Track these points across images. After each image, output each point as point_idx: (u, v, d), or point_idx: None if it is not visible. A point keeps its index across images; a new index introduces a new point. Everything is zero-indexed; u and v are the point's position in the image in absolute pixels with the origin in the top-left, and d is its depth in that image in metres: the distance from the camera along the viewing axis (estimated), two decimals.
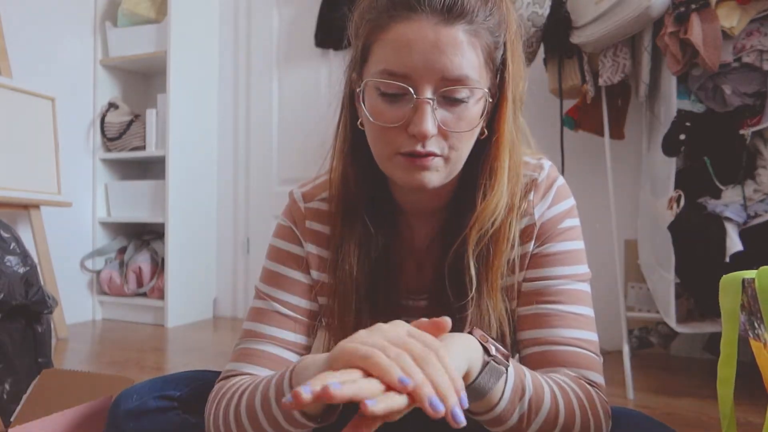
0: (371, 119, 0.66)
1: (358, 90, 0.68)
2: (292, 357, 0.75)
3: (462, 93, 0.64)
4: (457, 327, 0.64)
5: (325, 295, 0.77)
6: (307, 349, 0.78)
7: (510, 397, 0.59)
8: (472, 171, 0.70)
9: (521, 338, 0.72)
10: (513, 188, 0.71)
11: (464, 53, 0.62)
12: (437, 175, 0.67)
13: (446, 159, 0.66)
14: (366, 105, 0.67)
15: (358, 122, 0.71)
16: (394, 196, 0.76)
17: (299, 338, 0.76)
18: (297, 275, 0.77)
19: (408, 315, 0.72)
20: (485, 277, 0.70)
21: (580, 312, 0.71)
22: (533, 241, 0.73)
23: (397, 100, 0.64)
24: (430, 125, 0.63)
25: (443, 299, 0.72)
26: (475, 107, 0.65)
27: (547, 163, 0.76)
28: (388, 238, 0.75)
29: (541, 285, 0.72)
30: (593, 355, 0.70)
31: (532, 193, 0.73)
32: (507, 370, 0.58)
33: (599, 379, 0.69)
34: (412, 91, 0.63)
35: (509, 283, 0.73)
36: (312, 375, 0.55)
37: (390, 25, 0.63)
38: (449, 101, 0.64)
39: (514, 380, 0.60)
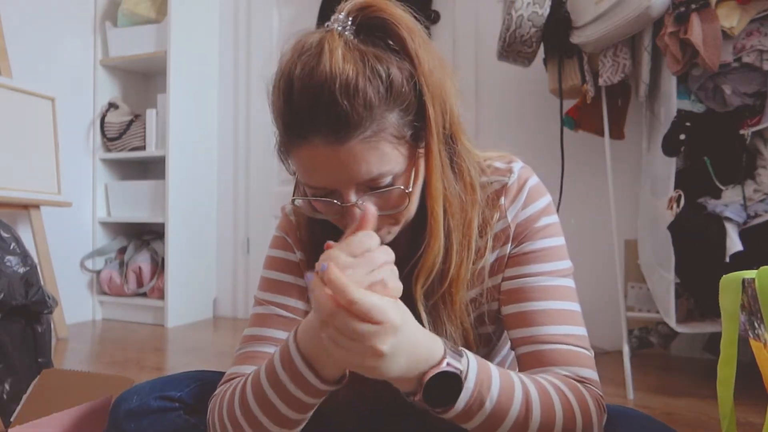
0: (308, 209, 0.69)
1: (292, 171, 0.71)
2: None
3: (384, 182, 0.63)
4: None
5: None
6: None
7: (462, 410, 0.60)
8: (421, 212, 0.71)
9: (510, 337, 0.72)
10: (462, 231, 0.70)
11: (368, 159, 0.61)
12: (390, 237, 0.69)
13: (390, 230, 0.68)
14: (303, 195, 0.70)
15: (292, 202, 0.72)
16: None
17: None
18: (293, 279, 0.79)
19: None
20: (442, 306, 0.71)
21: (564, 307, 0.70)
22: (510, 243, 0.73)
23: (327, 200, 0.65)
24: None
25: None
26: (400, 183, 0.65)
27: (517, 165, 0.76)
28: None
29: (522, 282, 0.72)
30: (582, 350, 0.69)
31: (503, 197, 0.73)
32: (454, 404, 0.59)
33: (590, 374, 0.68)
34: (337, 201, 0.64)
35: (488, 285, 0.74)
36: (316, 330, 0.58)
37: (292, 148, 0.64)
38: (375, 192, 0.64)
39: (467, 401, 0.59)
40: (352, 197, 0.64)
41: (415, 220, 0.71)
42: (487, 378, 0.61)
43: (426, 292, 0.70)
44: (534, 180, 0.76)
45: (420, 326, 0.59)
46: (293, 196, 0.72)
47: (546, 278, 0.71)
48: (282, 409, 0.63)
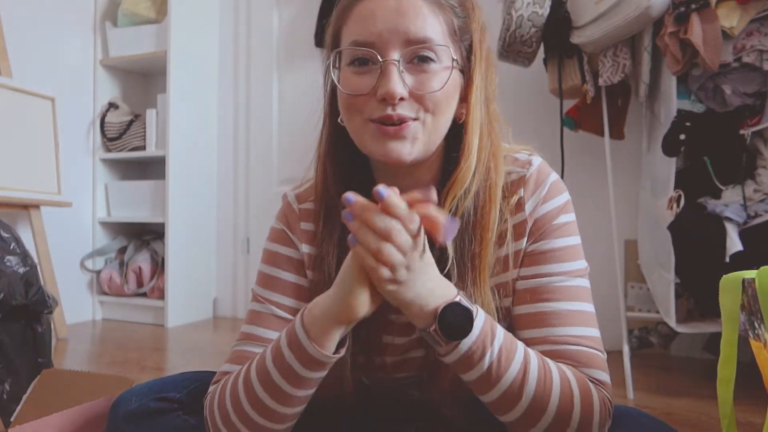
0: (343, 91, 0.68)
1: (331, 71, 0.71)
2: None
3: (427, 53, 0.66)
4: None
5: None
6: None
7: (466, 353, 0.62)
8: (452, 161, 0.71)
9: (521, 338, 0.71)
10: (491, 174, 0.71)
11: (426, 18, 0.65)
12: (416, 146, 0.67)
13: (423, 123, 0.67)
14: (339, 83, 0.69)
15: (339, 119, 0.72)
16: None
17: None
18: (291, 277, 0.78)
19: (389, 308, 0.72)
20: (470, 266, 0.70)
21: (579, 308, 0.70)
22: (526, 238, 0.72)
23: (366, 70, 0.66)
24: (396, 84, 0.64)
25: None
26: (443, 72, 0.67)
27: (537, 159, 0.75)
28: None
29: (537, 283, 0.71)
30: (595, 351, 0.68)
31: (522, 189, 0.73)
32: (460, 342, 0.62)
33: (602, 376, 0.68)
34: (378, 56, 0.65)
35: (503, 280, 0.73)
36: (323, 312, 0.63)
37: (355, 4, 0.68)
38: (416, 65, 0.66)
39: (471, 345, 0.62)
40: (395, 54, 0.65)
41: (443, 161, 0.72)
42: (492, 330, 0.63)
43: (456, 240, 0.70)
44: (555, 176, 0.75)
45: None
46: (334, 64, 0.71)
47: (562, 278, 0.71)
48: (285, 387, 0.65)
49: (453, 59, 0.67)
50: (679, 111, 1.58)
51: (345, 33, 0.69)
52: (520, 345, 0.65)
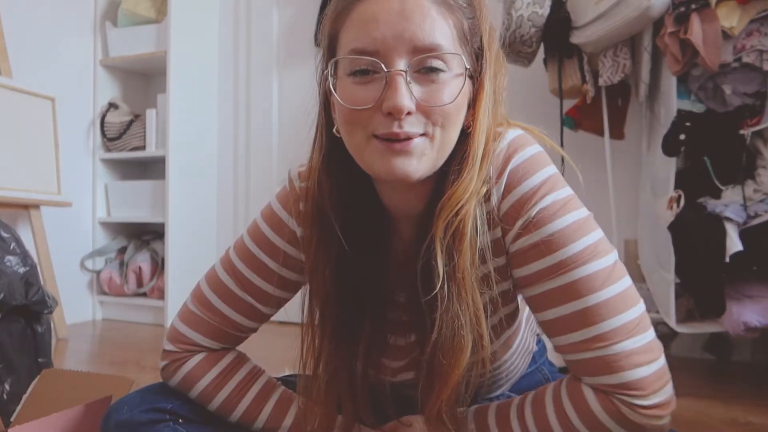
0: (342, 104, 0.61)
1: (328, 81, 0.64)
2: (237, 333, 0.79)
3: (437, 62, 0.60)
4: (428, 328, 0.64)
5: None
6: (255, 331, 0.81)
7: None
8: (450, 168, 0.65)
9: (556, 344, 0.67)
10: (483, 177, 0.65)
11: (434, 21, 0.59)
12: (423, 162, 0.61)
13: (431, 138, 0.61)
14: (337, 93, 0.62)
15: (334, 129, 0.66)
16: (380, 198, 0.71)
17: (250, 323, 0.79)
18: (272, 265, 0.76)
19: (392, 310, 0.73)
20: (452, 275, 0.63)
21: (607, 296, 0.63)
22: (500, 228, 0.67)
23: (369, 80, 0.60)
24: (404, 98, 0.58)
25: (416, 298, 0.67)
26: (454, 82, 0.61)
27: (512, 133, 0.68)
28: (369, 254, 0.70)
29: (551, 285, 0.64)
30: (632, 341, 0.64)
31: (491, 168, 0.66)
32: None
33: (640, 372, 0.66)
34: (383, 66, 0.59)
35: (483, 272, 0.67)
36: None
37: (354, 6, 0.61)
38: (424, 74, 0.60)
39: None
40: (401, 63, 0.59)
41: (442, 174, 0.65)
42: None
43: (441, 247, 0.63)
44: (519, 158, 0.66)
45: None
46: (331, 74, 0.64)
47: (573, 270, 0.63)
48: None
49: (465, 67, 0.62)
50: (679, 111, 1.58)
51: (343, 37, 0.62)
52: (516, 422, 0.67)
